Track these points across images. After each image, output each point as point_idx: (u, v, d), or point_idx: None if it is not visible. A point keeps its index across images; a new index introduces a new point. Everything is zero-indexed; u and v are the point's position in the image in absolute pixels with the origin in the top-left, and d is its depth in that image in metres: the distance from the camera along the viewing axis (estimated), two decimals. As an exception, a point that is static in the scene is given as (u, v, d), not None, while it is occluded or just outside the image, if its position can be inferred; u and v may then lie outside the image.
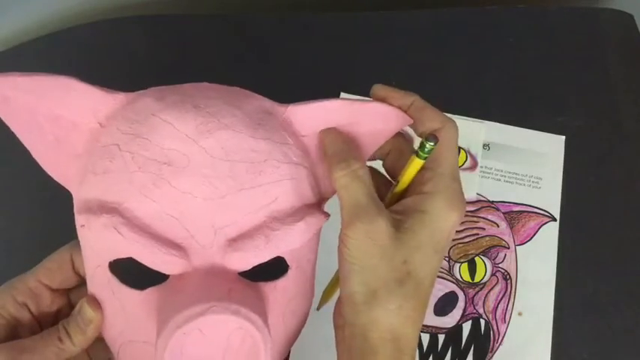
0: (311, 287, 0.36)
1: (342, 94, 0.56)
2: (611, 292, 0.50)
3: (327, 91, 0.56)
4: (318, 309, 0.38)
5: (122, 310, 0.32)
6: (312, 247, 0.34)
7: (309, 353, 0.48)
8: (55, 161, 0.33)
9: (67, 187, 0.33)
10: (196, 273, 0.30)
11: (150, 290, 0.31)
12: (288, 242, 0.31)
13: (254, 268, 0.31)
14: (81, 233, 0.32)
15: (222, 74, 0.34)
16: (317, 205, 0.34)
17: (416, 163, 0.32)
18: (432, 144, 0.31)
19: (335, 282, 0.38)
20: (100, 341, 0.35)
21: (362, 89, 0.54)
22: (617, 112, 0.56)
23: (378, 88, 0.34)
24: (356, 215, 0.30)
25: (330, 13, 0.62)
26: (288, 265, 0.33)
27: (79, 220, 0.31)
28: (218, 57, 0.60)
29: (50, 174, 0.33)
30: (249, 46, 0.60)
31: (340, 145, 0.33)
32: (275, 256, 0.31)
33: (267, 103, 0.33)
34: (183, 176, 0.29)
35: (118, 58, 0.60)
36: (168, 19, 0.62)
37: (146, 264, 0.30)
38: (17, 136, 0.32)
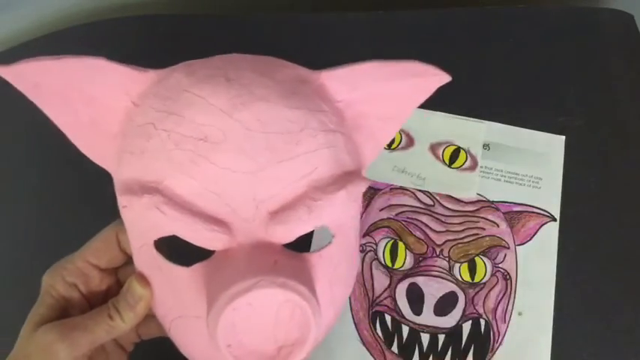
0: (355, 254, 0.35)
1: (342, 94, 0.56)
2: (611, 292, 0.50)
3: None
4: None
5: (170, 286, 0.32)
6: (354, 214, 0.34)
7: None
8: (91, 143, 0.33)
9: (105, 168, 0.33)
10: (241, 248, 0.30)
11: (196, 266, 0.31)
12: (331, 211, 0.31)
13: (298, 238, 0.31)
14: (124, 214, 0.32)
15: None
16: (357, 171, 0.33)
17: None
18: None
19: None
20: (150, 319, 0.36)
21: (362, 89, 0.55)
22: (617, 112, 0.56)
23: None
24: None
25: (330, 13, 0.62)
26: (331, 234, 0.32)
27: (121, 201, 0.31)
28: (218, 57, 0.60)
29: (88, 156, 0.33)
30: (249, 46, 0.60)
31: None
32: (318, 226, 0.31)
33: (300, 71, 0.33)
34: (221, 151, 0.29)
35: (118, 58, 0.60)
36: (168, 19, 0.62)
37: (190, 241, 0.30)
38: (52, 120, 0.32)
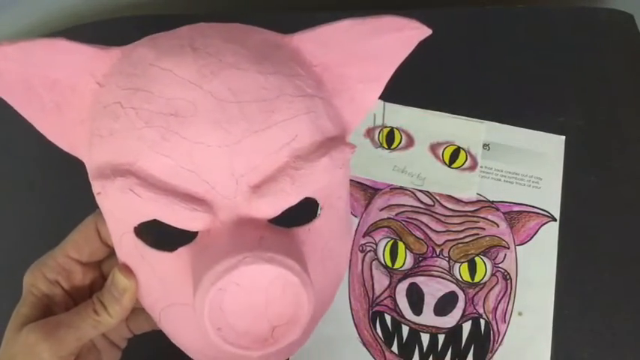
0: (347, 226, 0.34)
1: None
2: (611, 292, 0.50)
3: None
4: None
5: (155, 274, 0.31)
6: (342, 183, 0.32)
7: (309, 353, 0.48)
8: (59, 130, 0.31)
9: (77, 156, 0.32)
10: (224, 226, 0.29)
11: (180, 250, 0.30)
12: (315, 180, 0.29)
13: (284, 213, 0.29)
14: (99, 201, 0.31)
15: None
16: (340, 137, 0.31)
17: None
18: None
19: None
20: (139, 312, 0.35)
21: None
22: (617, 112, 0.56)
23: None
24: None
25: (331, 13, 0.62)
26: (319, 206, 0.31)
27: (95, 187, 0.30)
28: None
29: (57, 144, 0.32)
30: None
31: None
32: (303, 197, 0.29)
33: (272, 36, 0.31)
34: (193, 125, 0.27)
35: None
36: (168, 19, 0.62)
37: (170, 223, 0.28)
38: (16, 109, 0.30)
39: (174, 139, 0.28)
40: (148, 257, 0.30)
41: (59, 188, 0.55)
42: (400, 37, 0.32)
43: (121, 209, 0.29)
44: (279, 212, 0.29)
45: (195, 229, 0.29)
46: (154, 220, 0.29)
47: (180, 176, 0.28)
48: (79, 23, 0.62)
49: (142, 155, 0.28)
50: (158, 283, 0.31)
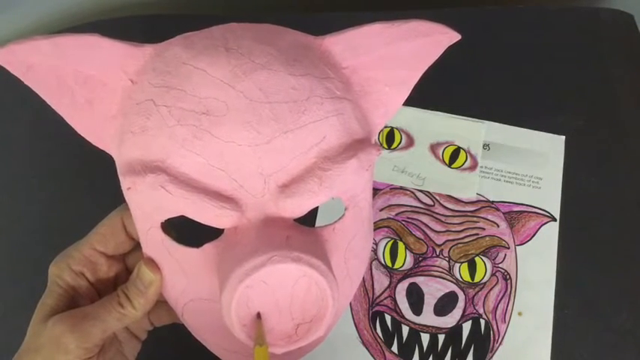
0: (369, 227, 0.35)
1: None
2: (611, 292, 0.50)
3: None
4: None
5: (181, 269, 0.31)
6: (367, 185, 0.33)
7: (309, 353, 0.48)
8: (90, 125, 0.32)
9: (106, 151, 0.32)
10: (251, 224, 0.29)
11: (206, 246, 0.30)
12: (342, 181, 0.30)
13: (310, 212, 0.30)
14: (128, 196, 0.31)
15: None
16: (367, 139, 0.32)
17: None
18: None
19: None
20: (161, 305, 0.35)
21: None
22: (617, 112, 0.56)
23: None
24: None
25: (331, 13, 0.62)
26: (344, 206, 0.31)
27: (125, 183, 0.30)
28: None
29: (87, 138, 0.32)
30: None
31: None
32: (330, 197, 0.30)
33: (303, 37, 0.32)
34: (224, 124, 0.28)
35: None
36: (168, 19, 0.62)
37: (198, 220, 0.29)
38: (48, 103, 0.31)
39: (206, 137, 0.28)
40: (174, 252, 0.31)
41: (59, 189, 0.55)
42: (429, 41, 0.33)
43: (149, 205, 0.30)
44: (306, 212, 0.30)
45: (223, 227, 0.30)
46: (182, 216, 0.29)
47: (210, 174, 0.28)
48: (79, 23, 0.62)
49: (173, 153, 0.28)
50: (183, 278, 0.32)
